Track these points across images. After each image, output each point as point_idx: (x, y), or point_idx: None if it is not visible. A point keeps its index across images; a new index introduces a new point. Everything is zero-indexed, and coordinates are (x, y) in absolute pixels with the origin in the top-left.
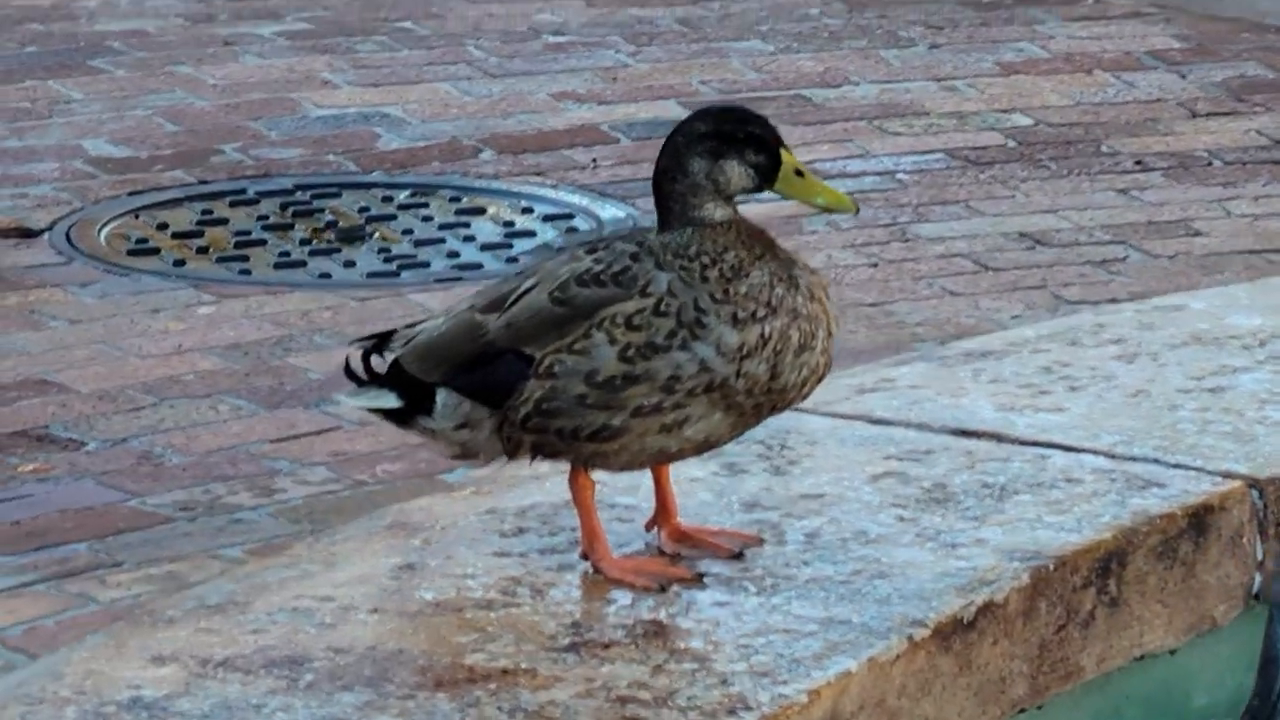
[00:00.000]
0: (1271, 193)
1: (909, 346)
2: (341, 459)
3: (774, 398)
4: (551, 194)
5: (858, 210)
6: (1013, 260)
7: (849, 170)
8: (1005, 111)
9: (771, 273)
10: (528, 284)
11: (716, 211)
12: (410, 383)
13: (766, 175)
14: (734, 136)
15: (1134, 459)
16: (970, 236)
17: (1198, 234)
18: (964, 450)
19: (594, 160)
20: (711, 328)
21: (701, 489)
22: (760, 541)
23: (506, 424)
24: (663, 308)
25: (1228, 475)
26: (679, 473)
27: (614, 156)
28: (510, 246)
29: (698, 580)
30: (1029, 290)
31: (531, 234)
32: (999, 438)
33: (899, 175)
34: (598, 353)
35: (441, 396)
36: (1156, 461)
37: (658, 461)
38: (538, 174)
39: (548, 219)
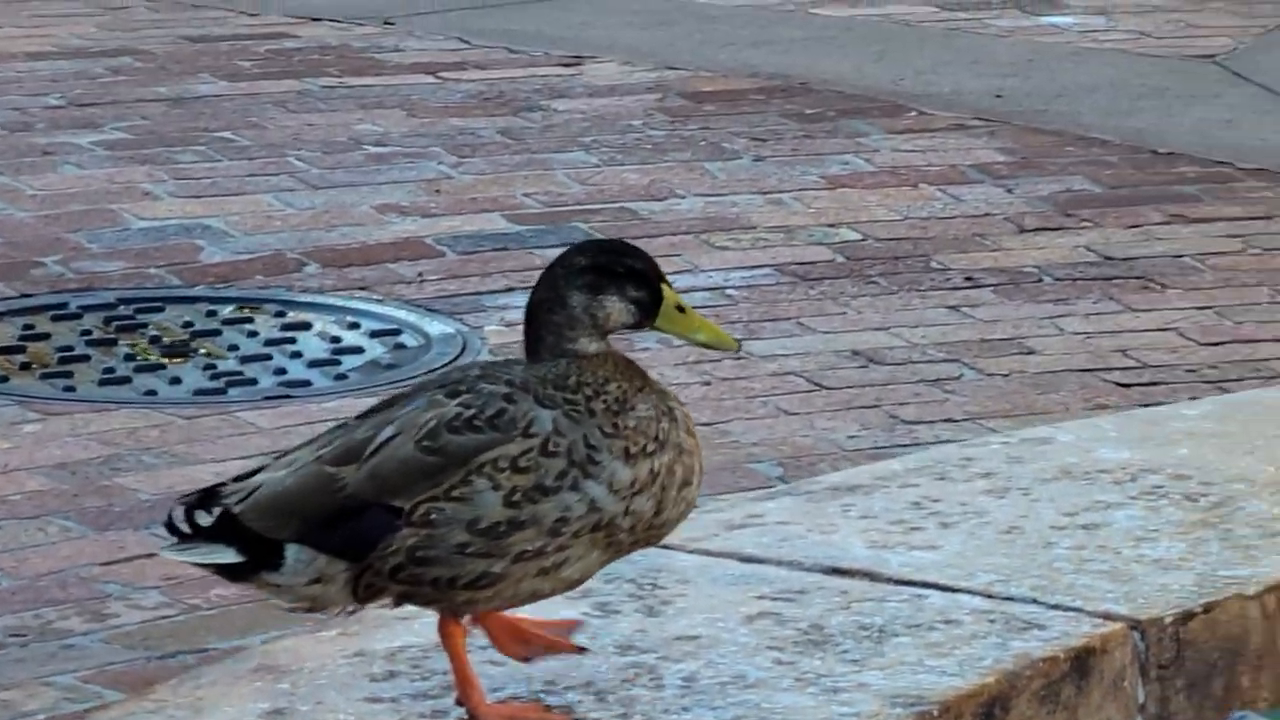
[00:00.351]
0: (1102, 310)
1: (744, 467)
2: (174, 583)
3: (652, 534)
4: (378, 309)
5: (739, 348)
6: (846, 379)
7: (678, 286)
8: (833, 226)
9: (654, 405)
10: (386, 433)
11: (590, 345)
12: (250, 537)
13: (647, 311)
14: (614, 271)
15: (1012, 599)
16: (803, 354)
17: (1031, 352)
18: (838, 590)
19: (420, 274)
20: (604, 464)
21: (579, 632)
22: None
23: (369, 574)
24: (551, 447)
25: (1108, 616)
26: (550, 612)
27: (440, 270)
28: (338, 363)
29: None
30: (864, 410)
31: (359, 350)
32: (873, 576)
33: (728, 291)
34: (480, 499)
35: (293, 552)
36: (1035, 602)
37: (526, 603)
38: (363, 288)
39: (375, 334)
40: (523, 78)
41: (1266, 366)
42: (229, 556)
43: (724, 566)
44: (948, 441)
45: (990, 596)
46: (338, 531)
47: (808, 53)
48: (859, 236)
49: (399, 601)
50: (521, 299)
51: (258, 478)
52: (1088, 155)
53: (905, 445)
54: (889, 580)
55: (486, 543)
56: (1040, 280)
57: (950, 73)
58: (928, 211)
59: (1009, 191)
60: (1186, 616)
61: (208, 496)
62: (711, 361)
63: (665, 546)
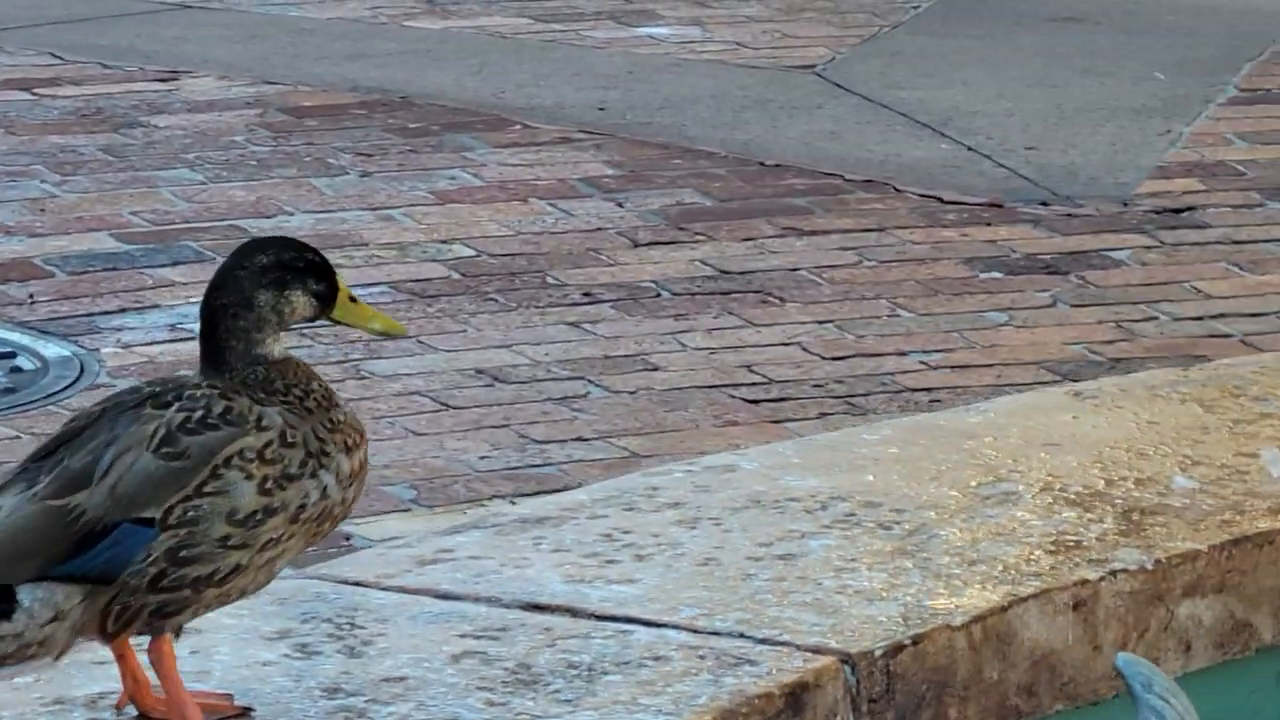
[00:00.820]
0: (724, 325)
1: (377, 490)
2: None
3: (339, 520)
4: None
5: (406, 332)
6: (473, 398)
7: None
8: (445, 242)
9: (344, 402)
10: (111, 454)
11: (275, 347)
12: None
13: (325, 303)
14: (295, 266)
15: (718, 633)
16: (427, 373)
17: (656, 368)
18: (540, 627)
19: (31, 296)
20: (333, 455)
21: (277, 674)
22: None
23: (123, 595)
24: (289, 438)
25: (818, 650)
26: (246, 655)
27: (51, 291)
28: None
29: None
30: (494, 430)
31: None
32: (574, 612)
33: None
34: (235, 490)
35: (28, 593)
36: (742, 636)
37: (236, 600)
38: None
39: None
40: (120, 93)
41: (893, 381)
42: None
43: (422, 604)
44: (580, 460)
45: (696, 631)
46: (89, 556)
47: (406, 66)
48: (473, 252)
49: (145, 624)
50: (136, 319)
51: None
52: (696, 168)
53: (538, 465)
54: (591, 616)
55: (244, 532)
56: (659, 295)
57: (551, 85)
58: (540, 226)
59: (620, 205)
60: (896, 649)
61: None
62: (334, 382)
63: (359, 584)
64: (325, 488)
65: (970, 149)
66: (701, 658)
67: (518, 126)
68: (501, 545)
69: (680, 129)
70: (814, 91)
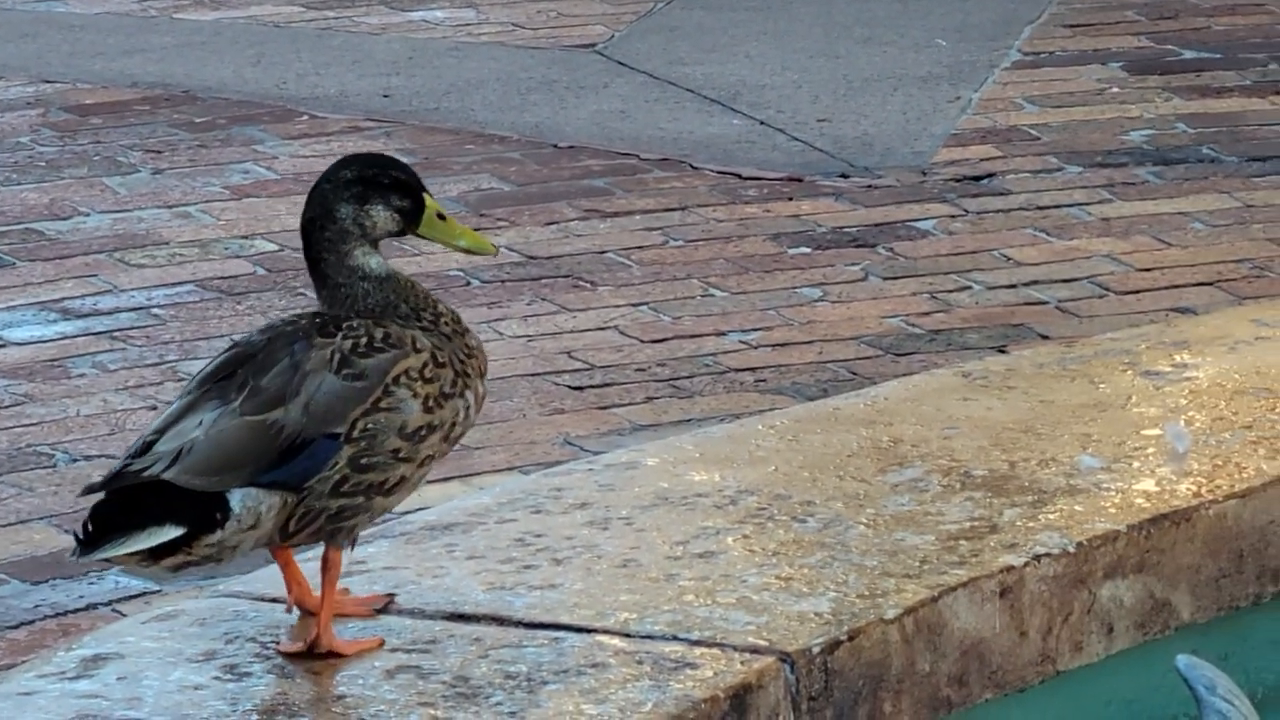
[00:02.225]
0: (538, 312)
1: None
2: None
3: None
4: None
5: (497, 252)
6: None
7: (101, 307)
8: (246, 237)
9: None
10: (298, 377)
11: (370, 260)
12: (178, 506)
13: (411, 219)
14: (379, 182)
15: (651, 637)
16: None
17: None
18: (470, 637)
19: None
20: (472, 377)
21: (211, 698)
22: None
23: (309, 498)
24: (440, 359)
25: (755, 650)
26: (174, 679)
27: None
28: None
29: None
30: None
31: None
32: (500, 620)
33: (154, 310)
34: (404, 407)
35: (238, 498)
36: (676, 639)
37: (383, 512)
38: None
39: None
40: None
41: (715, 362)
42: (171, 531)
43: (345, 619)
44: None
45: (628, 635)
46: (291, 465)
47: (184, 59)
48: (275, 247)
49: (318, 532)
50: None
51: (161, 447)
52: (489, 152)
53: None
54: (519, 624)
55: (411, 447)
56: (469, 284)
57: (333, 74)
58: None
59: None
60: (833, 645)
61: (113, 481)
62: (153, 385)
63: (277, 600)
64: (468, 408)
65: (763, 123)
66: (639, 663)
67: (305, 117)
68: (414, 554)
69: (469, 113)
70: (598, 70)
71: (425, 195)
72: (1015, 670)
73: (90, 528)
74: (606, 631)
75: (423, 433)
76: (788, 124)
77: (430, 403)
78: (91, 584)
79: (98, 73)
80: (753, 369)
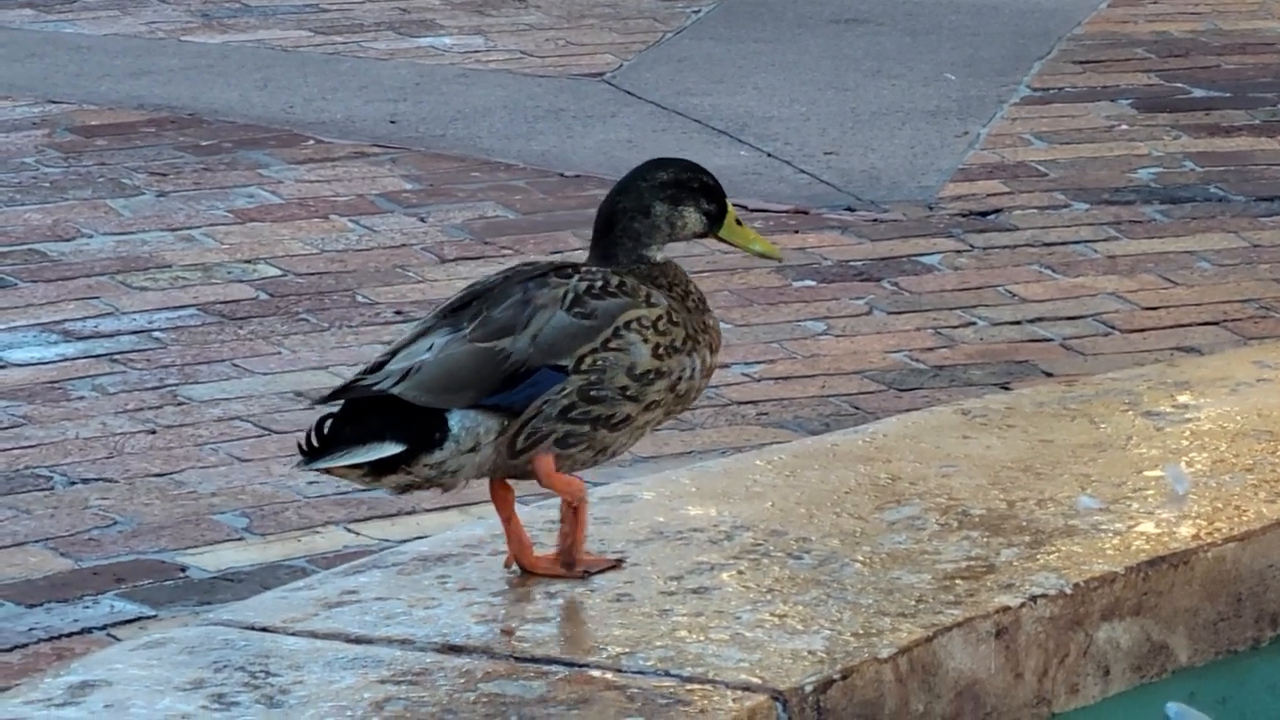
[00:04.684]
0: None
1: (208, 519)
2: None
3: (685, 409)
4: None
5: (783, 259)
6: (294, 421)
7: (102, 330)
8: (250, 262)
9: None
10: (529, 310)
11: (659, 254)
12: (402, 424)
13: (715, 222)
14: (690, 185)
15: (643, 673)
16: (245, 397)
17: None
18: (460, 669)
19: None
20: (701, 347)
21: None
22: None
23: (537, 420)
24: (674, 318)
25: (748, 688)
26: (161, 707)
27: None
28: None
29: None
30: None
31: None
32: (491, 653)
33: (155, 333)
34: (634, 349)
35: (457, 419)
36: (668, 674)
37: (608, 460)
38: None
39: None
40: None
41: (718, 394)
42: (390, 448)
43: (335, 649)
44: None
45: (620, 671)
46: (514, 391)
47: (190, 82)
48: (279, 272)
49: (555, 446)
50: None
51: (393, 365)
52: (495, 180)
53: (368, 490)
54: (509, 657)
55: (639, 387)
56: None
57: (340, 99)
58: (344, 244)
59: (422, 220)
60: (826, 684)
61: (341, 393)
62: (152, 409)
63: (267, 629)
64: (695, 369)
65: (770, 155)
66: (630, 699)
67: (310, 142)
68: (406, 585)
69: (475, 141)
70: (606, 100)
71: (727, 201)
72: (1010, 712)
73: (316, 440)
74: (598, 666)
75: (650, 376)
76: (795, 156)
77: (660, 350)
78: (86, 608)
79: (104, 94)
80: (755, 402)
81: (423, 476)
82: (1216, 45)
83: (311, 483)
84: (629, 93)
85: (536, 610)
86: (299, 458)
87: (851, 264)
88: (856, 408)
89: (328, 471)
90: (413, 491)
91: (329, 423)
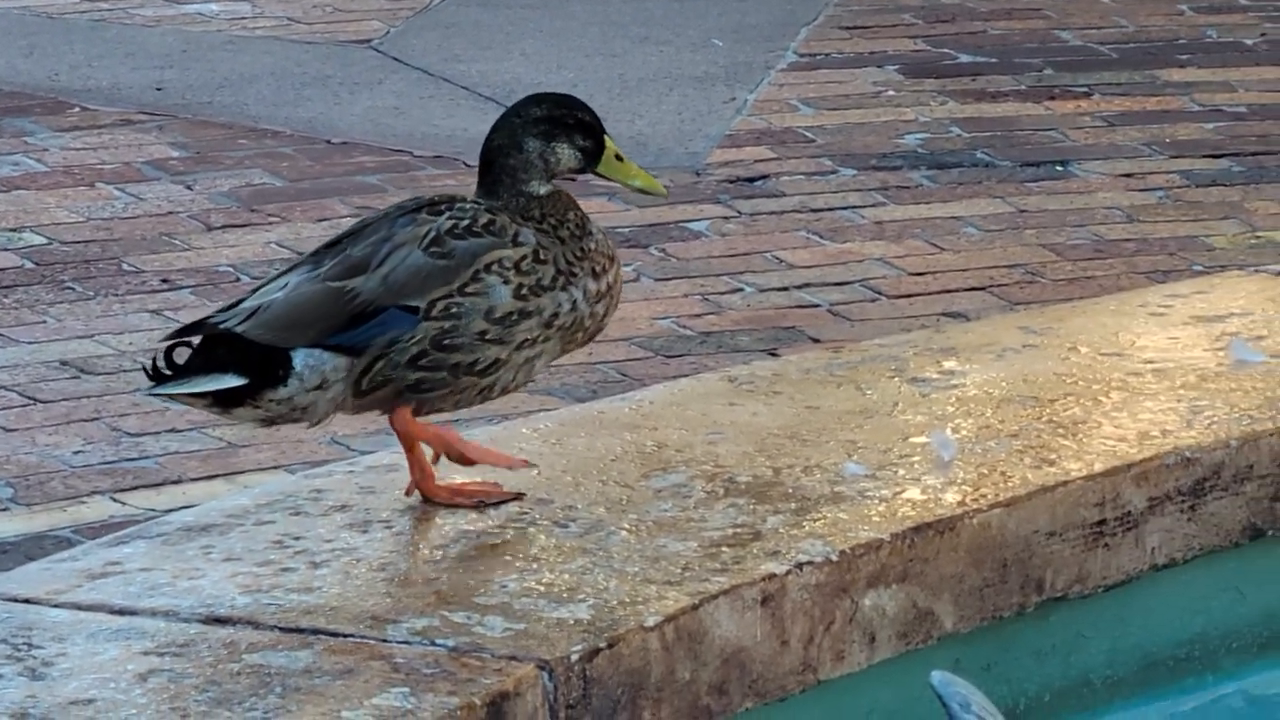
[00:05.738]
0: None
1: None
2: None
3: (593, 334)
4: None
5: (667, 194)
6: (60, 391)
7: None
8: (15, 230)
9: (600, 229)
10: (387, 248)
11: (541, 188)
12: (248, 359)
13: (592, 158)
14: (565, 122)
15: (408, 643)
16: (10, 367)
17: None
18: (224, 640)
19: None
20: (580, 276)
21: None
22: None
23: (383, 366)
24: (541, 255)
25: (514, 657)
26: None
27: None
28: None
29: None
30: (84, 423)
31: None
32: (255, 624)
33: None
34: (494, 292)
35: (301, 358)
36: (434, 644)
37: (498, 398)
38: None
39: None
40: None
41: None
42: (231, 380)
43: (98, 620)
44: (177, 452)
45: (386, 641)
46: (358, 331)
47: None
48: (44, 240)
49: (398, 395)
50: None
51: (247, 304)
52: (262, 147)
53: (134, 459)
54: (274, 628)
55: (500, 330)
56: (238, 279)
57: (106, 66)
58: (110, 212)
59: (189, 188)
60: (592, 653)
61: (191, 329)
62: None
63: (30, 601)
64: (575, 301)
65: None
66: (396, 669)
67: (76, 109)
68: (171, 555)
69: (242, 108)
70: (373, 66)
71: (606, 137)
72: (776, 679)
73: (166, 368)
74: (363, 637)
75: (514, 317)
76: None
77: (523, 291)
78: None
79: None
80: None
81: (274, 412)
82: (983, 11)
83: (77, 452)
84: (396, 59)
85: (302, 580)
86: (146, 383)
87: (619, 230)
88: (624, 374)
89: (172, 398)
90: (276, 426)
91: (184, 353)
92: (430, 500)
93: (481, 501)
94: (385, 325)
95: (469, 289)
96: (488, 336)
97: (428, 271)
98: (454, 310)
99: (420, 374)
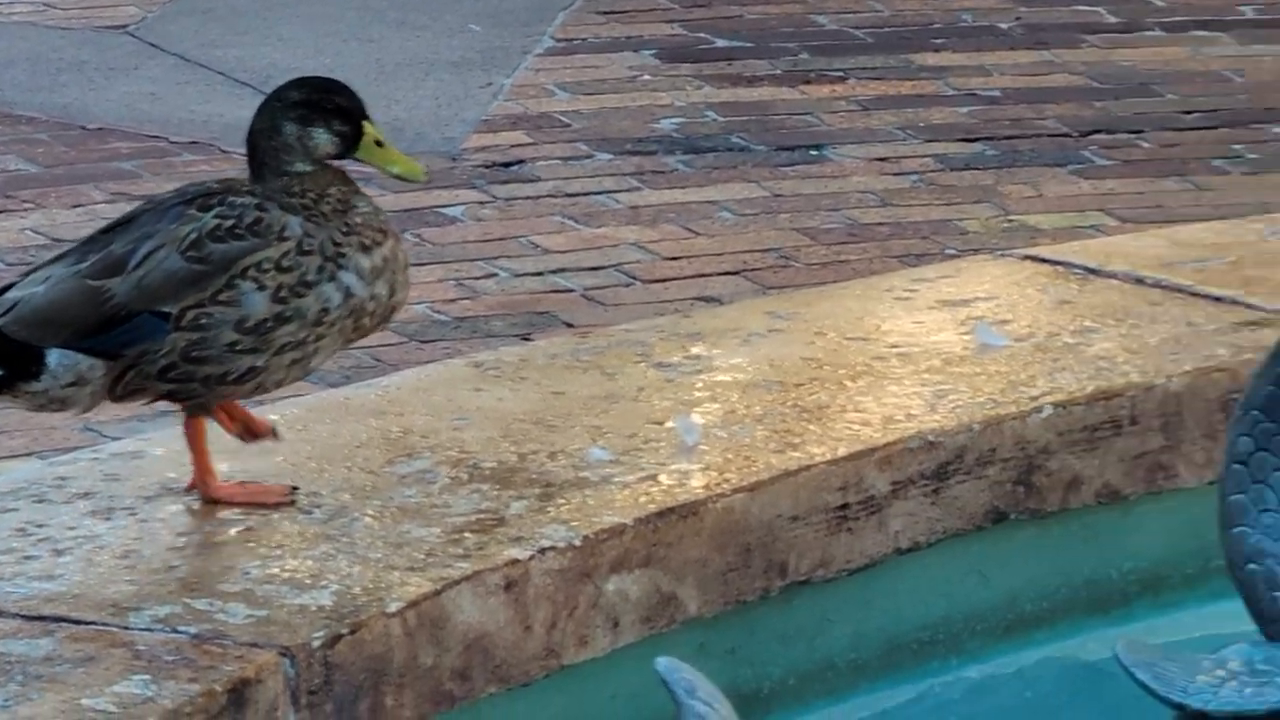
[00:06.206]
0: None
1: None
2: None
3: (389, 315)
4: None
5: (428, 178)
6: None
7: None
8: None
9: (369, 202)
10: (147, 247)
11: (304, 167)
12: (7, 351)
13: (350, 143)
14: (322, 106)
15: (150, 630)
16: None
17: None
18: None
19: None
20: (350, 256)
21: None
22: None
23: (134, 375)
24: (305, 246)
25: (255, 644)
26: None
27: None
28: None
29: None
30: None
31: None
32: None
33: None
34: (246, 300)
35: (55, 357)
36: (175, 631)
37: (272, 390)
38: None
39: None
40: None
41: None
42: None
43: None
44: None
45: (127, 629)
46: (109, 336)
47: None
48: None
49: (156, 399)
50: None
51: (11, 295)
52: (17, 134)
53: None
54: (15, 615)
55: (254, 339)
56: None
57: None
58: None
59: None
60: (334, 639)
61: None
62: None
63: None
64: (348, 287)
65: None
66: (138, 656)
67: None
68: None
69: None
70: (129, 52)
71: (366, 123)
72: (519, 664)
73: None
74: (105, 625)
75: (269, 324)
76: None
77: (283, 293)
78: None
79: None
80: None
81: (34, 403)
82: None
83: None
84: (153, 45)
85: (44, 567)
86: None
87: None
88: (378, 360)
89: None
90: (46, 411)
91: None
92: (212, 501)
93: (260, 501)
94: (137, 332)
95: (221, 297)
96: (239, 348)
97: (181, 276)
98: (203, 321)
99: (172, 385)
